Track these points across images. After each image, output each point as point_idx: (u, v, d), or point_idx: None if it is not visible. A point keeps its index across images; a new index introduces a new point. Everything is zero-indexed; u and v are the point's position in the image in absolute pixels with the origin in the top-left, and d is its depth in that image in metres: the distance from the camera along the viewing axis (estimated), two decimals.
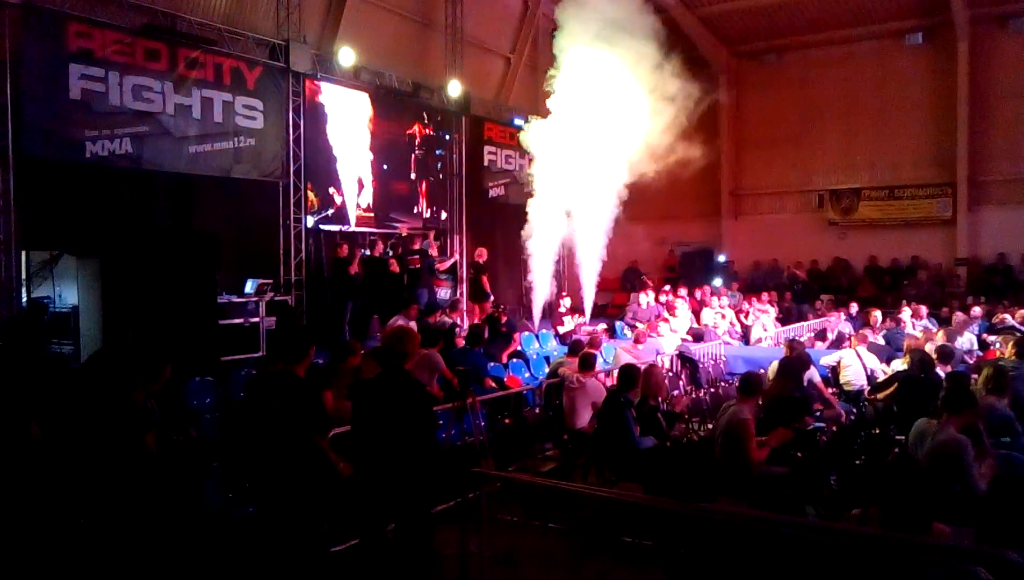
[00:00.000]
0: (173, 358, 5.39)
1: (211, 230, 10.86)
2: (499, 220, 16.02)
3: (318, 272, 12.58)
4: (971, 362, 9.83)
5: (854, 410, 8.37)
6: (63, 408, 5.69)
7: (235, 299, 10.50)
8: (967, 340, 11.33)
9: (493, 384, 9.75)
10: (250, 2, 12.20)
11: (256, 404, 4.81)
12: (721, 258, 19.87)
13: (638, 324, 13.25)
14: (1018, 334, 10.28)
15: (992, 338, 11.42)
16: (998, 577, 3.28)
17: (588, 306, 14.22)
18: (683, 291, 15.44)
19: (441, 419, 8.34)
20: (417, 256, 13.16)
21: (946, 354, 8.45)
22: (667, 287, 15.87)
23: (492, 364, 10.59)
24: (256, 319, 10.49)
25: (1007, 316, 12.56)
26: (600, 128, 12.54)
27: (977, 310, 13.20)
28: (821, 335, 12.87)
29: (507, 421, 8.45)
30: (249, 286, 10.62)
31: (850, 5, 17.67)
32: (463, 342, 10.09)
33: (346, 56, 12.82)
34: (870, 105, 18.78)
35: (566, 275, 15.96)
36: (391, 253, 13.38)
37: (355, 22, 13.69)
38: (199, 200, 10.99)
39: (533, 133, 13.22)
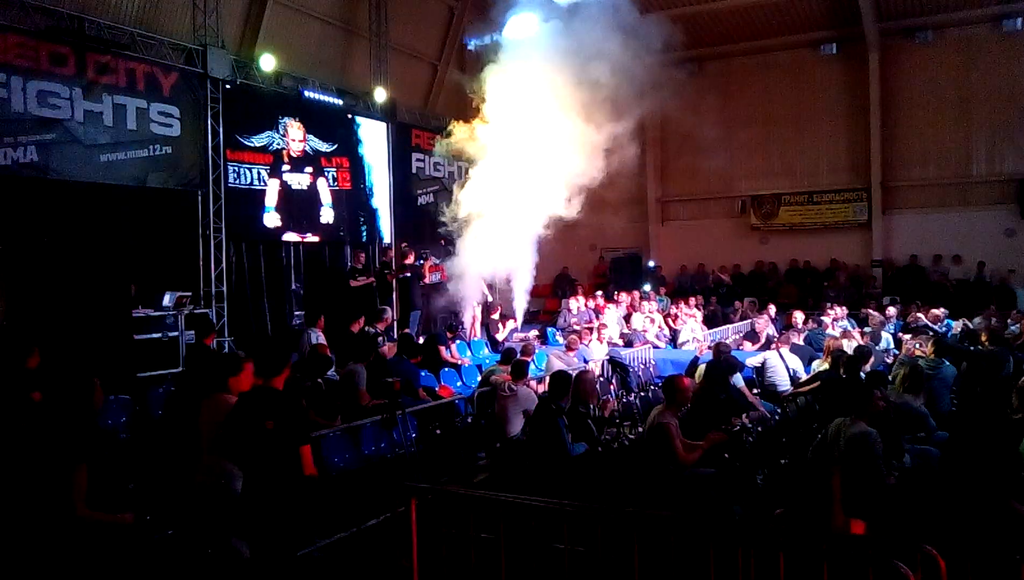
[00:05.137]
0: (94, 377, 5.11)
1: (125, 241, 10.47)
2: (427, 227, 15.85)
3: (240, 283, 12.22)
4: (889, 361, 10.18)
5: (778, 411, 8.55)
6: None
7: (152, 313, 10.10)
8: (884, 339, 11.75)
9: (425, 394, 9.62)
10: (164, 6, 11.80)
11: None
12: (651, 263, 20.18)
13: (574, 326, 13.35)
14: (931, 333, 10.71)
15: (906, 337, 11.87)
16: (914, 569, 3.36)
17: (520, 313, 14.22)
18: (623, 298, 15.59)
19: (370, 431, 8.21)
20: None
21: (864, 354, 8.73)
22: (599, 293, 15.99)
23: (424, 373, 10.47)
24: (175, 333, 10.10)
25: (920, 315, 13.08)
26: (526, 136, 12.58)
27: (892, 310, 13.71)
28: (751, 336, 13.15)
29: (438, 431, 8.33)
30: (167, 299, 10.23)
31: (766, 16, 18.22)
32: (389, 352, 9.92)
33: (267, 62, 12.51)
34: (788, 113, 19.37)
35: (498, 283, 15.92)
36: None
37: (276, 27, 13.40)
38: (112, 210, 10.53)
39: (456, 140, 13.21)
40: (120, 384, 8.49)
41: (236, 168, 12.27)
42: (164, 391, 8.62)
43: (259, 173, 12.74)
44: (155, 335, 10.20)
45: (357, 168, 14.78)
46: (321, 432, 7.63)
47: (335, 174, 14.21)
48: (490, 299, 14.13)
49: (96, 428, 4.72)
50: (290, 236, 13.35)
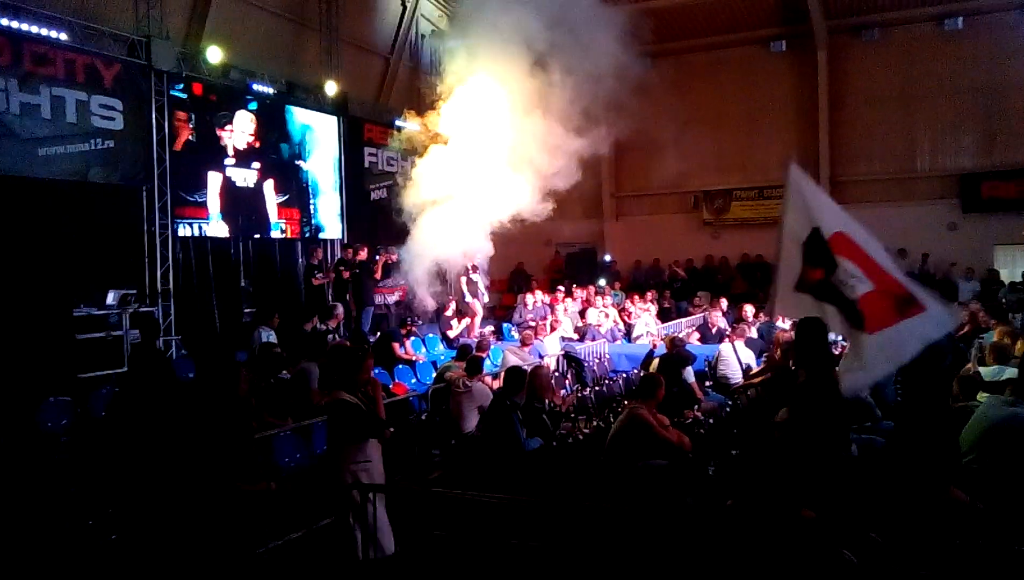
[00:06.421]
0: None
1: (66, 238, 10.14)
2: (381, 223, 15.66)
3: (187, 281, 11.92)
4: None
5: (729, 402, 8.65)
6: None
7: (95, 312, 9.81)
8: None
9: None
10: None
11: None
12: (607, 258, 20.31)
13: (529, 322, 13.36)
14: None
15: None
16: (860, 557, 3.41)
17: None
18: (578, 293, 15.64)
19: (321, 430, 8.07)
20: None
21: None
22: (560, 288, 15.98)
23: (378, 370, 10.35)
24: (119, 332, 9.83)
25: None
26: (480, 131, 12.52)
27: None
28: (704, 330, 13.30)
29: (392, 429, 8.23)
30: (111, 297, 9.95)
31: (717, 13, 18.45)
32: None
33: (213, 54, 12.22)
34: (740, 109, 19.65)
35: (453, 278, 15.84)
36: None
37: (223, 19, 13.07)
38: (52, 206, 10.18)
39: (409, 133, 13.10)
40: (60, 385, 8.25)
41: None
42: (108, 392, 8.38)
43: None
44: (98, 334, 9.93)
45: (298, 164, 14.47)
46: (272, 431, 7.50)
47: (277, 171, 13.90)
48: (487, 299, 14.13)
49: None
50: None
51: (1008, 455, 4.99)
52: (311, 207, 14.67)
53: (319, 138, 14.82)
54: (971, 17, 17.37)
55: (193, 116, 12.09)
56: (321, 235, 14.84)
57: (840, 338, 11.50)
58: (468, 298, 13.90)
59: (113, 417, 7.48)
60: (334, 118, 15.09)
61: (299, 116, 14.38)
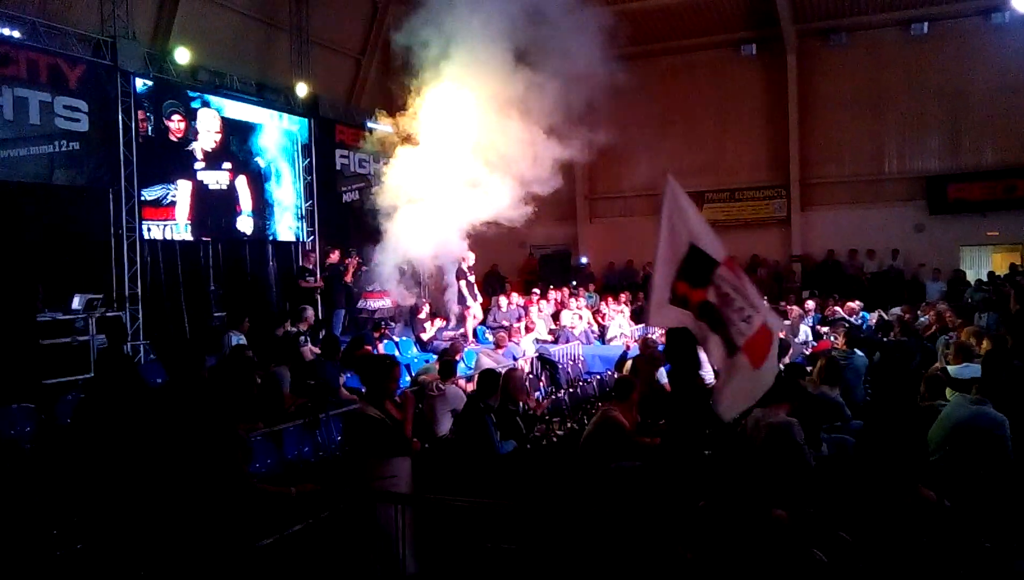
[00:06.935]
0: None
1: (31, 241, 9.95)
2: (353, 225, 15.52)
3: (155, 285, 11.73)
4: (807, 353, 10.48)
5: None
6: None
7: (60, 316, 9.62)
8: (803, 332, 12.11)
9: (349, 395, 9.43)
10: None
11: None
12: (583, 260, 20.35)
13: (504, 324, 13.33)
14: (847, 325, 11.10)
15: (824, 329, 12.25)
16: (831, 556, 3.43)
17: (452, 311, 14.09)
18: (555, 295, 15.64)
19: (292, 434, 8.00)
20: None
21: (783, 347, 8.95)
22: (536, 291, 15.96)
23: (348, 374, 10.25)
24: (85, 337, 9.64)
25: (837, 308, 13.54)
26: (455, 135, 12.46)
27: (810, 304, 14.15)
28: None
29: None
30: (77, 302, 9.76)
31: (689, 17, 18.57)
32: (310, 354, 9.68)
33: (181, 55, 12.05)
34: (711, 112, 19.80)
35: (428, 280, 15.77)
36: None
37: (191, 20, 12.93)
38: (15, 208, 9.97)
39: (382, 135, 13.00)
40: (24, 391, 8.07)
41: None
42: (73, 398, 8.22)
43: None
44: (64, 339, 9.74)
45: (257, 160, 14.15)
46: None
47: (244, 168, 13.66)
48: (480, 299, 14.02)
49: None
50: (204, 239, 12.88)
51: (974, 453, 5.07)
52: (271, 208, 14.42)
53: (282, 138, 14.60)
54: (936, 22, 17.66)
55: (151, 117, 11.87)
56: (276, 231, 14.53)
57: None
58: (469, 302, 13.76)
59: (79, 424, 7.33)
60: (304, 120, 14.92)
61: (259, 116, 14.04)
